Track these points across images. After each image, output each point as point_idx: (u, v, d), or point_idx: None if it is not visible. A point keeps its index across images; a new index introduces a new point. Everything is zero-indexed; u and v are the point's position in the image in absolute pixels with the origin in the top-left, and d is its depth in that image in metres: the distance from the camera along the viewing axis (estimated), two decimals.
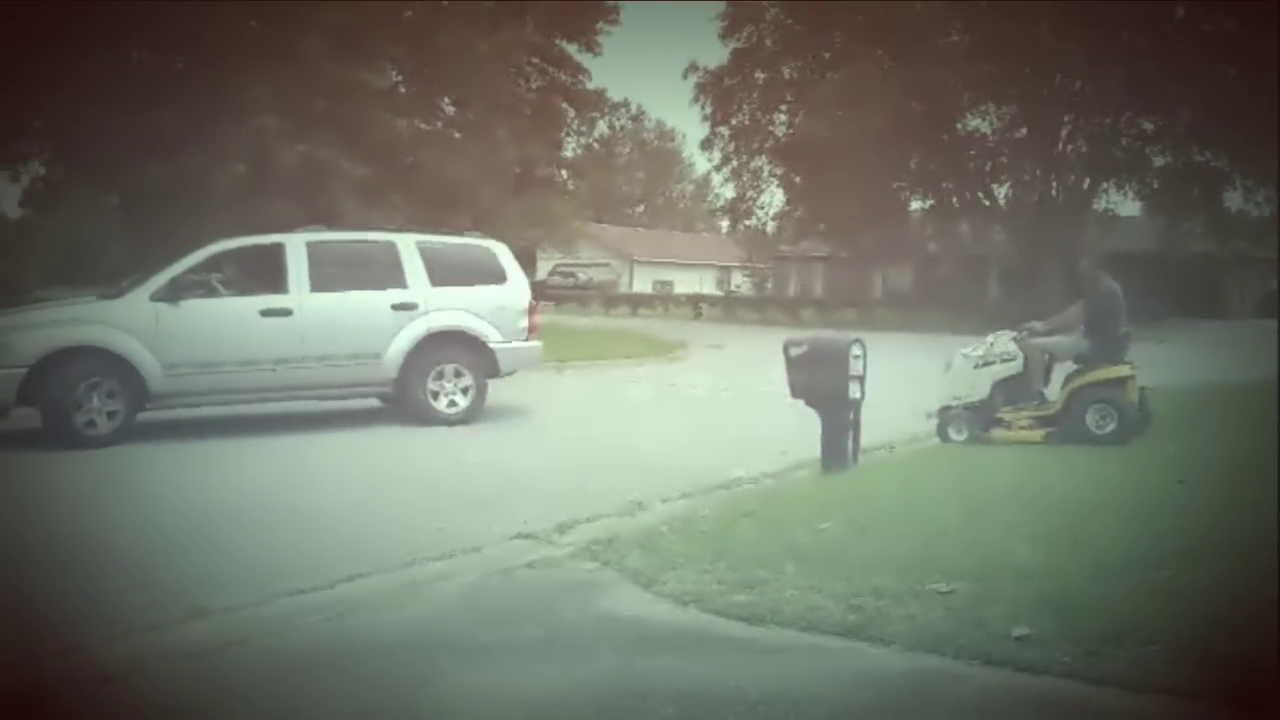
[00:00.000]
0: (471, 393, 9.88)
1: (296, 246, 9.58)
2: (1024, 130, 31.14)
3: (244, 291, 9.56)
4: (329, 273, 9.59)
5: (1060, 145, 30.66)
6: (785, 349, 7.18)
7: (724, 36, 33.49)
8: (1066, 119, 29.98)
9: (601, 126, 55.87)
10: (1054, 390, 8.57)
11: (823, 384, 6.96)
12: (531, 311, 10.41)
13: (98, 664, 3.74)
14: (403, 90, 23.86)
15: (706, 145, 36.33)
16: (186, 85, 17.72)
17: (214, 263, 9.51)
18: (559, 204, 27.99)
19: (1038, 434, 8.24)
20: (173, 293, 9.01)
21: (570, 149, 35.18)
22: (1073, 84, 28.77)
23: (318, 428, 9.73)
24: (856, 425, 7.16)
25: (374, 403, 10.42)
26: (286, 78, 17.47)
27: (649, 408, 12.11)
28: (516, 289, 10.40)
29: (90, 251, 42.24)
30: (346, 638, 4.14)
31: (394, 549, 5.30)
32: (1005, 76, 28.08)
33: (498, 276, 10.26)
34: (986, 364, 8.55)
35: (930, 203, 34.24)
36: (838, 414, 7.02)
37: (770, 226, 37.32)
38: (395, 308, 9.68)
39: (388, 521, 6.10)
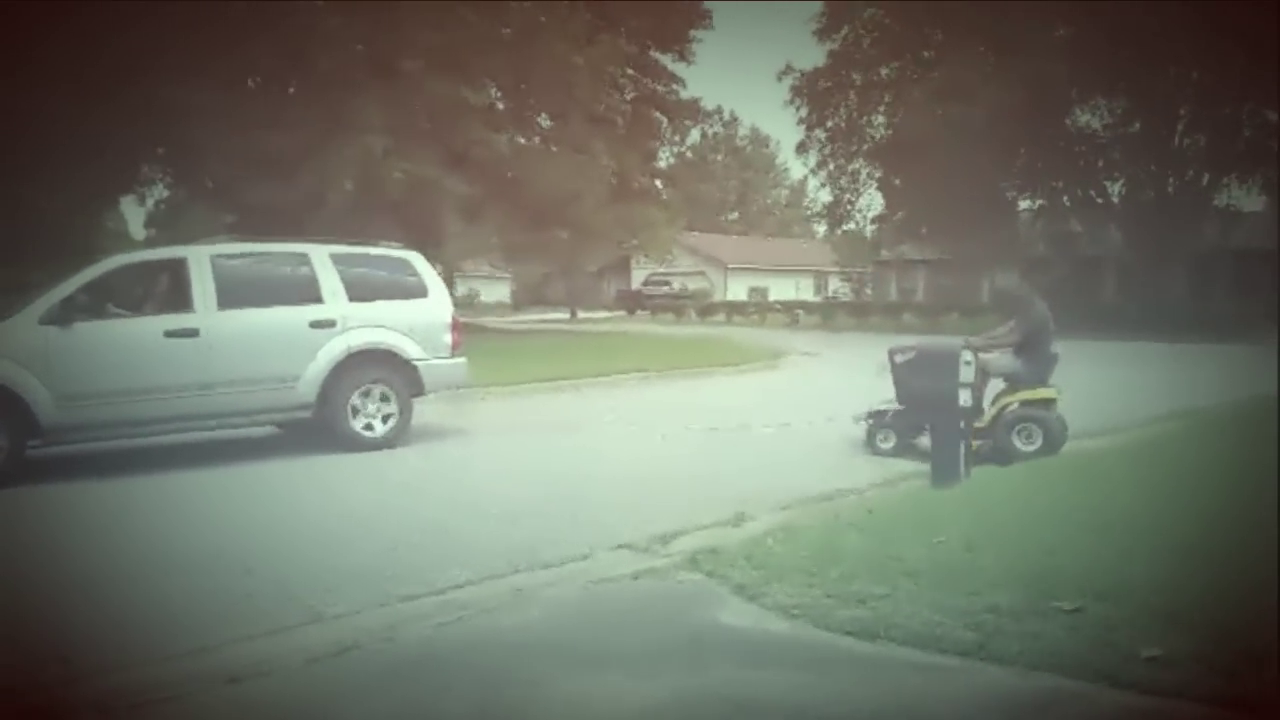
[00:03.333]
0: (396, 415, 9.22)
1: (200, 260, 8.71)
2: (1137, 124, 29.89)
3: (145, 312, 8.80)
4: (238, 288, 8.76)
5: (1177, 139, 29.35)
6: (890, 355, 7.02)
7: (820, 38, 33.16)
8: (1183, 111, 28.67)
9: (695, 134, 56.04)
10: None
11: (931, 391, 6.77)
12: (455, 326, 9.70)
13: (225, 667, 3.88)
14: (500, 106, 24.36)
15: (802, 149, 36.05)
16: (298, 108, 18.43)
17: (110, 280, 8.69)
18: (653, 213, 28.09)
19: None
20: (64, 314, 8.07)
21: (664, 158, 35.36)
22: (1188, 74, 27.48)
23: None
24: (967, 435, 6.93)
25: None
26: (391, 97, 18.01)
27: (746, 413, 11.98)
28: (438, 303, 9.70)
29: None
30: (457, 643, 4.19)
31: (499, 557, 5.37)
32: (1114, 69, 27.00)
33: (418, 290, 9.59)
34: None
35: (1039, 202, 33.17)
36: (947, 422, 6.81)
37: (869, 230, 36.75)
38: (313, 325, 8.93)
39: (485, 530, 6.16)
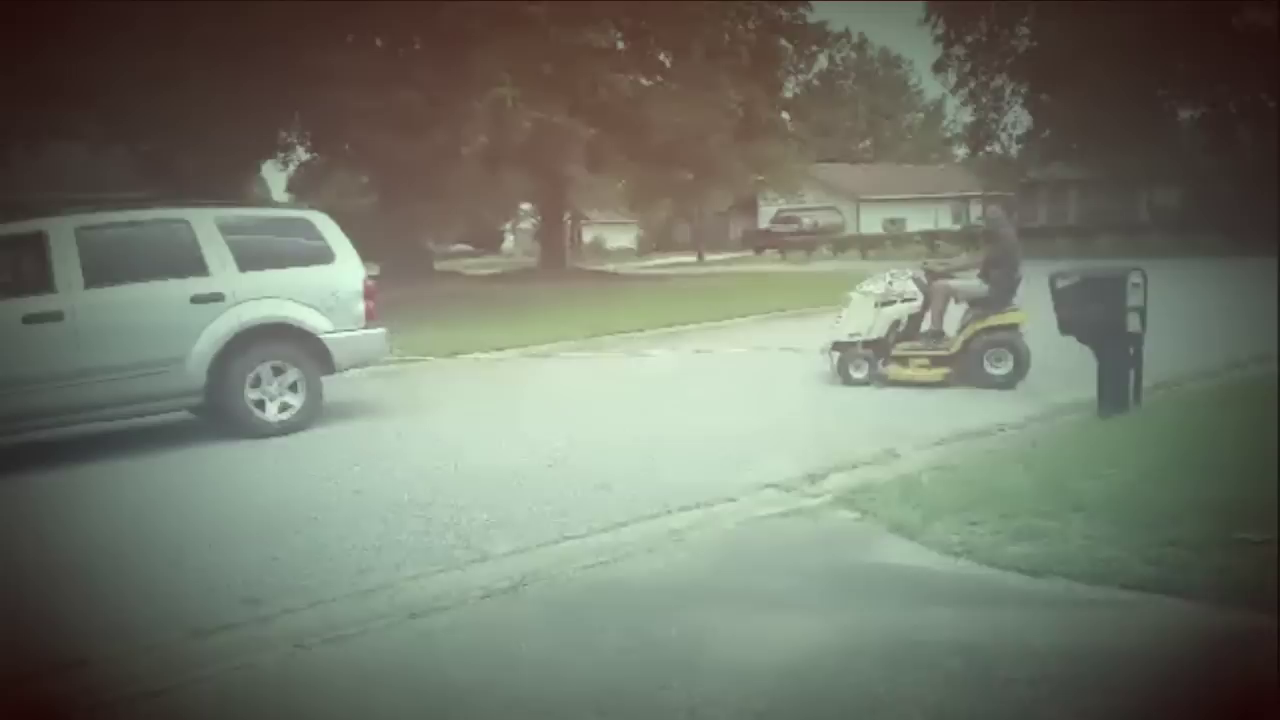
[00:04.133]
0: (303, 394, 8.21)
1: (63, 233, 7.63)
2: None
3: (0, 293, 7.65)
4: (108, 263, 7.77)
5: None
6: (1051, 282, 6.65)
7: None
8: None
9: (822, 61, 54.24)
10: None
11: (1096, 318, 6.39)
12: (370, 293, 8.67)
13: (408, 602, 4.07)
14: (621, 47, 24.12)
15: (939, 68, 34.41)
16: (426, 64, 18.74)
17: None
18: (780, 148, 27.43)
19: (938, 373, 8.49)
20: None
21: (790, 88, 34.38)
22: None
23: None
24: (1138, 363, 6.54)
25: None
26: (516, 47, 18.06)
27: None
28: (347, 267, 8.66)
29: (350, 229, 46.24)
30: (614, 582, 4.28)
31: (654, 498, 5.43)
32: None
33: (323, 254, 8.57)
34: (888, 303, 8.74)
35: (1202, 110, 30.70)
36: (1114, 350, 6.44)
37: (1015, 150, 34.90)
38: (196, 300, 7.91)
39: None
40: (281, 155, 29.24)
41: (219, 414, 8.11)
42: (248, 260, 8.15)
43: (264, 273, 8.22)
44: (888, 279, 9.00)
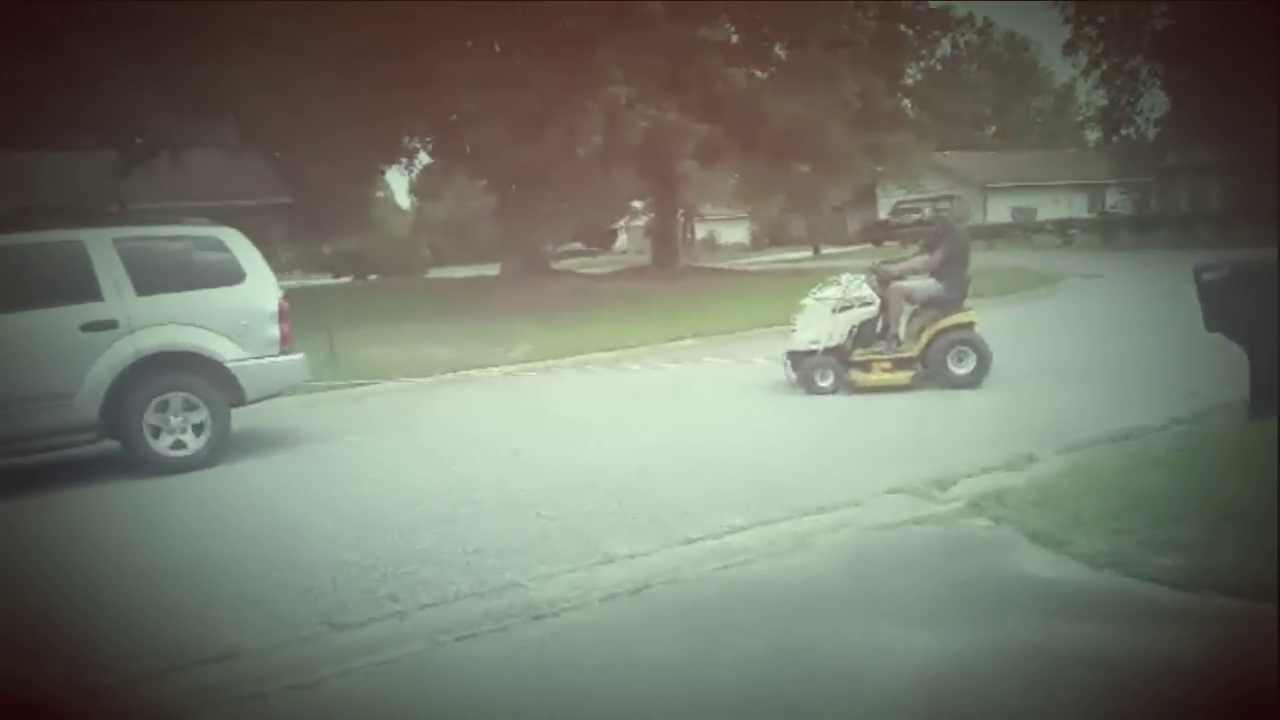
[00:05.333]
0: (208, 428, 7.56)
1: None
2: None
3: None
4: None
5: None
6: (1197, 275, 6.26)
7: None
8: None
9: (945, 46, 52.62)
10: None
11: (1248, 313, 5.99)
12: (283, 316, 7.98)
13: (533, 601, 4.15)
14: (735, 40, 23.94)
15: (1070, 49, 32.95)
16: (543, 66, 19.02)
17: None
18: (901, 137, 26.72)
19: (904, 376, 8.50)
20: None
21: (911, 75, 33.47)
22: None
23: None
24: None
25: None
26: (630, 45, 18.14)
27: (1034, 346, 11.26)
28: (259, 288, 7.98)
29: (470, 232, 47.53)
30: (739, 587, 4.26)
31: (776, 501, 5.39)
32: None
33: (232, 274, 7.91)
34: (845, 308, 8.65)
35: None
36: (1268, 349, 6.02)
37: (1152, 134, 33.11)
38: (86, 329, 7.28)
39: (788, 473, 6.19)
40: (404, 160, 30.30)
41: (124, 446, 7.52)
42: (147, 283, 7.52)
43: (164, 296, 7.58)
44: (841, 283, 8.89)
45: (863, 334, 8.80)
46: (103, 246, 7.51)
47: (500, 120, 18.30)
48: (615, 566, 4.60)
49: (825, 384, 8.63)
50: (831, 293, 8.90)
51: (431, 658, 3.75)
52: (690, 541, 4.86)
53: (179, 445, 7.48)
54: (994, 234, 37.25)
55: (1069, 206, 44.58)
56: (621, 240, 56.72)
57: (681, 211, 35.54)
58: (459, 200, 45.95)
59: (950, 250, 8.77)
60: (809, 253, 39.63)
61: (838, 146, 22.42)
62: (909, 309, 8.85)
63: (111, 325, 7.37)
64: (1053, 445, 6.01)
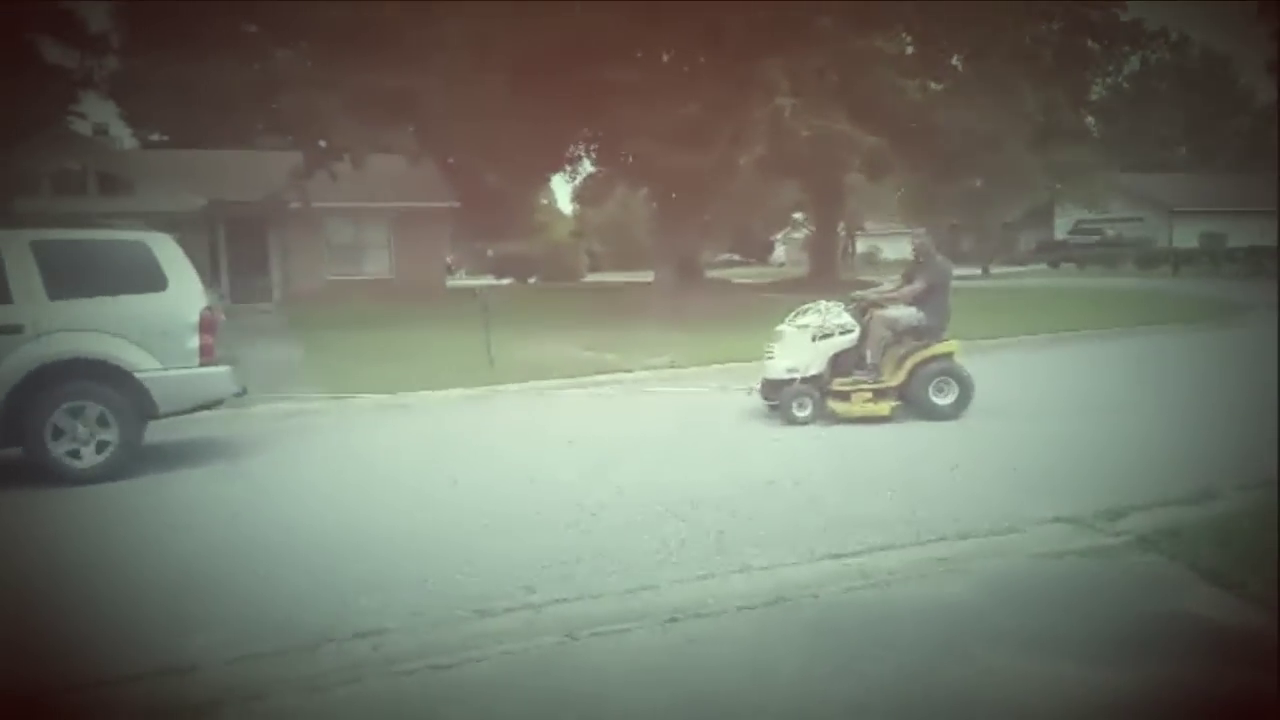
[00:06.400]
0: (114, 441, 7.28)
1: None
2: None
3: None
4: None
5: None
6: None
7: None
8: None
9: (1134, 62, 49.57)
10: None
11: None
12: (206, 327, 7.61)
13: (668, 605, 4.11)
14: (909, 51, 23.34)
15: (1275, 68, 30.40)
16: (709, 77, 19.06)
17: None
18: (1083, 154, 25.34)
19: (884, 406, 8.31)
20: None
21: (1097, 91, 31.72)
22: None
23: None
24: None
25: None
26: (800, 56, 17.95)
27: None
28: (182, 297, 7.62)
29: (627, 238, 48.23)
30: (881, 607, 4.10)
31: (925, 523, 5.17)
32: None
33: (154, 281, 7.57)
34: (825, 336, 8.46)
35: None
36: None
37: None
38: None
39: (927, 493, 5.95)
40: (569, 167, 31.01)
41: (28, 455, 7.27)
42: (62, 288, 7.30)
43: (77, 302, 7.34)
44: (820, 311, 8.64)
45: (842, 363, 8.59)
46: (18, 249, 7.32)
47: (664, 130, 18.45)
48: (751, 576, 4.52)
49: (803, 414, 8.36)
50: (810, 320, 8.64)
51: (564, 651, 3.76)
52: (832, 557, 4.72)
53: (77, 455, 7.23)
54: (1180, 259, 34.76)
55: (1260, 234, 41.09)
56: (778, 252, 56.22)
57: (842, 225, 34.91)
58: (618, 208, 46.71)
59: (931, 279, 8.59)
60: (977, 271, 38.10)
61: (1013, 162, 21.50)
62: (889, 338, 8.61)
63: (17, 330, 7.18)
64: (1236, 481, 5.52)
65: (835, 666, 3.51)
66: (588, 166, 30.72)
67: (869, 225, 48.11)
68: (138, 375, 7.36)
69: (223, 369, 7.79)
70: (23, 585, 4.82)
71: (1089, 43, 25.78)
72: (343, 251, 25.76)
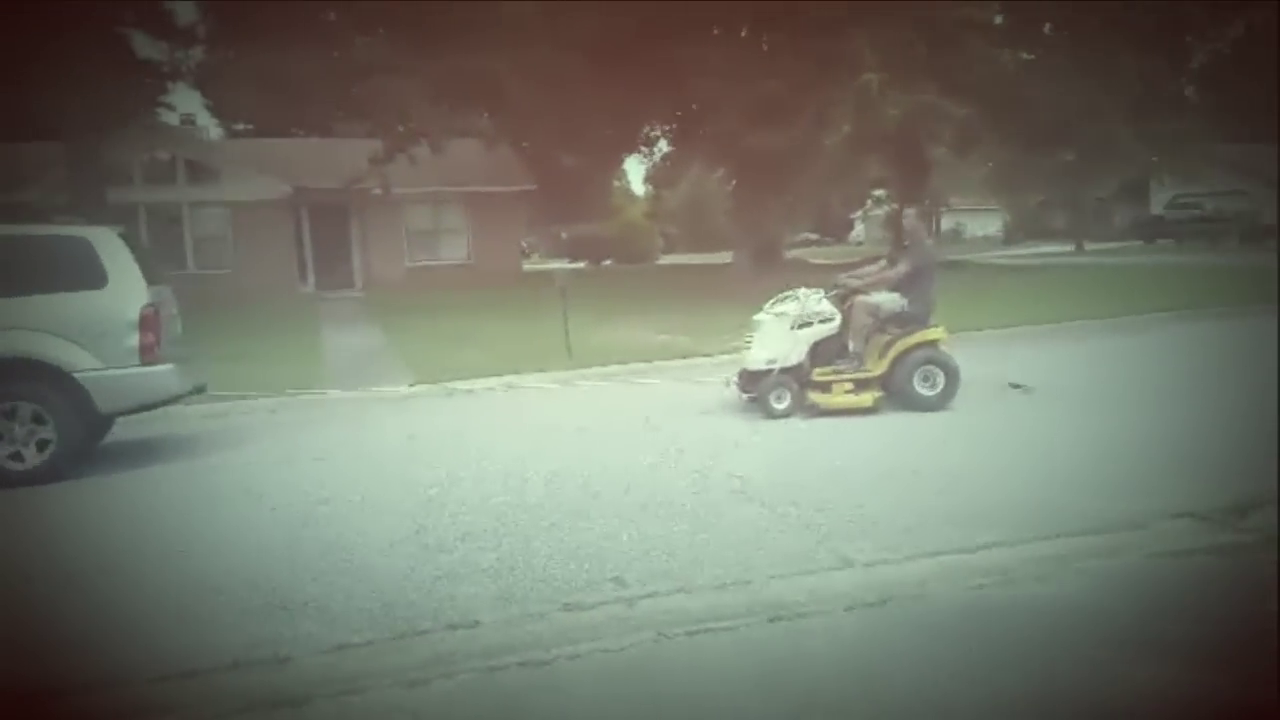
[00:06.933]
0: (53, 443, 7.09)
1: None
2: None
3: None
4: None
5: None
6: None
7: None
8: None
9: (1239, 26, 47.04)
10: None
11: None
12: (147, 324, 7.32)
13: (770, 600, 3.92)
14: (999, 21, 22.46)
15: None
16: (791, 53, 18.62)
17: None
18: (1183, 124, 24.13)
19: (866, 398, 8.00)
20: None
21: (1198, 58, 30.14)
22: None
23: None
24: None
25: None
26: (887, 28, 17.40)
27: None
28: (122, 293, 7.34)
29: (701, 219, 47.87)
30: (993, 607, 3.87)
31: (1039, 518, 4.86)
32: None
33: (94, 278, 7.32)
34: (804, 325, 8.13)
35: None
36: None
37: None
38: None
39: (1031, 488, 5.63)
40: (644, 149, 30.83)
41: None
42: None
43: (12, 300, 7.18)
44: (800, 298, 8.23)
45: (822, 352, 8.21)
46: None
47: (744, 109, 18.10)
48: (854, 573, 4.31)
49: (781, 406, 8.01)
50: (789, 308, 8.25)
51: (659, 650, 3.60)
52: (938, 554, 4.46)
53: (17, 457, 7.07)
54: None
55: None
56: (858, 230, 55.25)
57: (926, 201, 34.01)
58: (693, 188, 46.37)
59: (915, 263, 8.22)
60: (1069, 247, 36.74)
61: (1108, 134, 20.54)
62: (871, 326, 8.24)
63: None
64: None
65: (950, 672, 3.30)
66: (664, 147, 30.53)
67: (954, 201, 46.89)
68: (76, 375, 7.18)
69: (165, 368, 7.48)
70: (97, 576, 4.83)
71: (1190, 6, 24.45)
72: (421, 237, 26.01)
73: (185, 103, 55.18)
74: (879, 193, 38.64)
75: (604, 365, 11.59)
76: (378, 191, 22.42)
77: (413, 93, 18.95)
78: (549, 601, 4.09)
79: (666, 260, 40.23)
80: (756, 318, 8.40)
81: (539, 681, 3.40)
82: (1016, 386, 8.87)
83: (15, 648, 3.92)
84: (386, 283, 24.26)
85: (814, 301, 8.25)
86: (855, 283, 8.45)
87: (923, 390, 8.04)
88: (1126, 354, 11.33)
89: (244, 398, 10.39)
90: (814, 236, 49.73)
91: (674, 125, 25.80)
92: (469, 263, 25.94)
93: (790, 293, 8.44)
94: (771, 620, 3.80)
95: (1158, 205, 42.59)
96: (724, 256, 26.02)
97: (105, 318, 7.29)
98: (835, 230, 52.57)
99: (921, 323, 8.24)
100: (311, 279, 24.73)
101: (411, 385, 11.06)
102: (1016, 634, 3.61)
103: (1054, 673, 3.25)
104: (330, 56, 20.22)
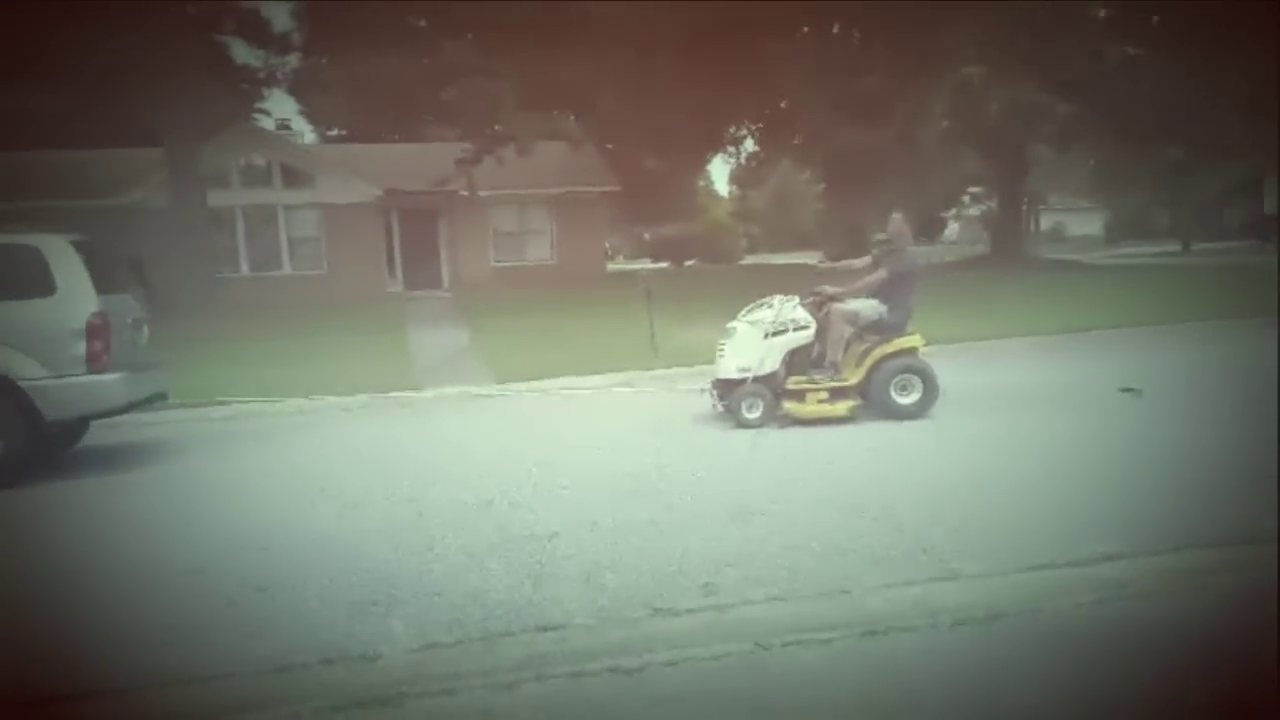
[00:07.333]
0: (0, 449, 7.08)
1: None
2: None
3: None
4: None
5: None
6: None
7: None
8: None
9: None
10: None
11: None
12: (94, 333, 7.27)
13: (868, 615, 3.74)
14: (1102, 15, 21.57)
15: None
16: (885, 48, 18.19)
17: None
18: None
19: (842, 407, 7.83)
20: None
21: None
22: None
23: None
24: None
25: None
26: (988, 21, 16.83)
27: None
28: (69, 302, 7.29)
29: (785, 219, 47.30)
30: (1114, 626, 3.60)
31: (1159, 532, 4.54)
32: None
33: (42, 286, 7.28)
34: (778, 332, 7.92)
35: None
36: None
37: None
38: None
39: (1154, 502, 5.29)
40: (730, 149, 30.60)
41: None
42: None
43: None
44: (774, 306, 8.03)
45: (797, 361, 8.01)
46: None
47: (836, 107, 17.75)
48: (960, 585, 4.07)
49: (753, 416, 7.80)
50: (763, 315, 8.03)
51: (757, 661, 3.45)
52: (1052, 567, 4.19)
53: None
54: None
55: None
56: (951, 229, 53.89)
57: (1025, 200, 32.94)
58: (778, 188, 45.89)
59: (895, 269, 7.98)
60: (1176, 247, 35.18)
61: (1219, 131, 19.51)
62: (849, 334, 8.04)
63: None
64: None
65: (1062, 699, 3.06)
66: (750, 146, 30.26)
67: (1053, 200, 45.32)
68: (21, 383, 7.18)
69: (112, 377, 7.42)
70: (189, 573, 4.88)
71: None
72: (506, 238, 26.25)
73: (280, 108, 57.14)
74: (974, 190, 37.59)
75: (689, 365, 11.45)
76: (465, 193, 22.70)
77: (501, 96, 19.11)
78: (639, 604, 3.97)
79: (749, 260, 39.85)
80: (730, 325, 8.23)
81: (631, 688, 3.29)
82: (1128, 390, 8.43)
83: (117, 641, 3.96)
84: (472, 283, 24.55)
85: (788, 309, 8.06)
86: (832, 290, 8.25)
87: (899, 399, 7.84)
88: (1240, 357, 10.70)
89: (336, 396, 10.56)
90: None
91: (761, 124, 25.50)
92: (553, 263, 26.08)
93: (765, 300, 8.27)
94: (869, 634, 3.61)
95: (1272, 205, 40.43)
96: (805, 257, 25.57)
97: (52, 326, 7.30)
98: (926, 229, 51.44)
99: (898, 330, 8.02)
100: (400, 279, 25.18)
101: (499, 384, 11.09)
102: (1138, 655, 3.36)
103: (1184, 697, 3.01)
104: (420, 62, 20.55)
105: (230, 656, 3.68)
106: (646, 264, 35.69)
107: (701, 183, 53.57)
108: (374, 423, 9.42)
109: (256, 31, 23.77)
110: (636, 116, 20.83)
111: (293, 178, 24.04)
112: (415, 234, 25.44)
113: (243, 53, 25.39)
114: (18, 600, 4.57)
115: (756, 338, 7.97)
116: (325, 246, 24.13)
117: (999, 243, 26.16)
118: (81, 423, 8.15)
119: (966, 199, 42.04)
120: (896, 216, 8.45)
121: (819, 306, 8.10)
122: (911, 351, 7.97)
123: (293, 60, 25.97)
